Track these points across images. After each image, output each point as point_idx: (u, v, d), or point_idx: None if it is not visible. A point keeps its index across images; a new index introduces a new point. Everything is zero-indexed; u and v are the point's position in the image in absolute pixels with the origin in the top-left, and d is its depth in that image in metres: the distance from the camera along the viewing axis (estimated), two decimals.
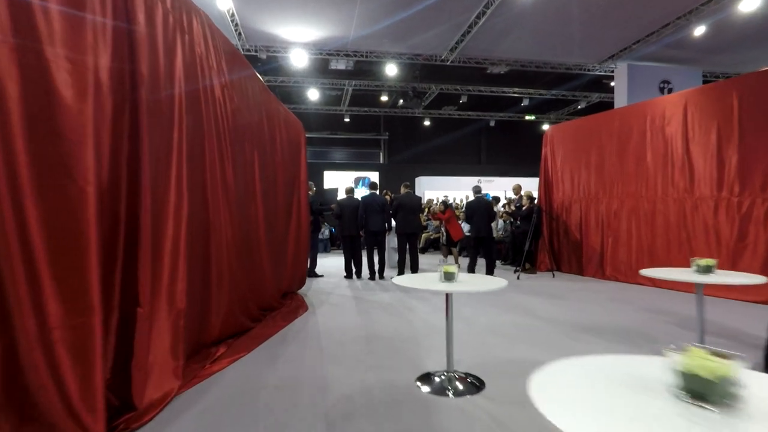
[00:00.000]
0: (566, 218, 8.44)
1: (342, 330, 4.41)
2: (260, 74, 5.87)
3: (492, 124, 19.62)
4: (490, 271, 7.38)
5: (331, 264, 9.50)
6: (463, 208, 8.76)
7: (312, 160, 21.96)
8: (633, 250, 7.22)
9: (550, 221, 8.60)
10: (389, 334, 4.27)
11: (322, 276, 7.90)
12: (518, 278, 7.57)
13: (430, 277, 3.17)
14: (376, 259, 7.61)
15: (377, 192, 7.73)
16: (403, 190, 7.69)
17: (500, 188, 18.94)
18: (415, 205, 7.59)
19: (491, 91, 15.65)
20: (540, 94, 15.93)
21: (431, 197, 16.30)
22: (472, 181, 19.96)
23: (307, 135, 22.17)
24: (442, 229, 9.06)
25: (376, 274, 7.55)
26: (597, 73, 12.69)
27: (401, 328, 4.50)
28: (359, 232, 7.55)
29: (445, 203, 8.97)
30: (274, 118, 5.40)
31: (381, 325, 4.59)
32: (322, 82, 14.63)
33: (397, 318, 4.90)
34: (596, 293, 6.43)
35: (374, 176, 20.82)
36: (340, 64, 14.24)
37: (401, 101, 15.35)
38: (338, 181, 20.97)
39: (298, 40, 10.78)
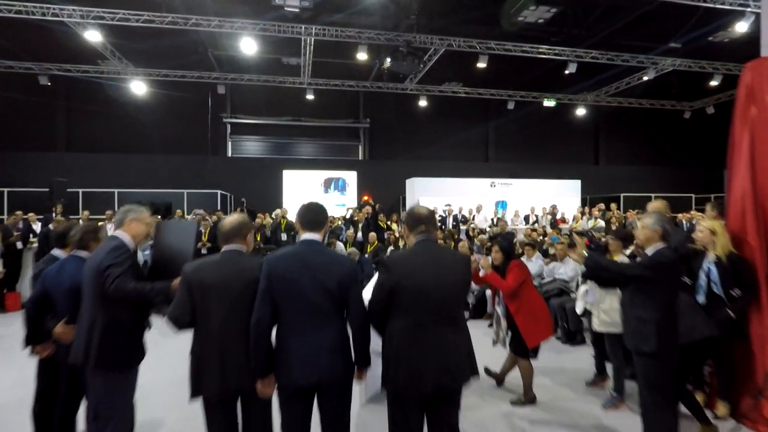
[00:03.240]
0: None
1: None
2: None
3: (510, 106, 14.42)
4: None
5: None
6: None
7: (267, 155, 15.48)
8: None
9: None
10: None
11: None
12: None
13: None
14: None
15: (319, 235, 2.06)
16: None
17: (519, 195, 13.68)
18: (450, 276, 2.14)
19: (522, 51, 10.46)
20: (593, 58, 10.79)
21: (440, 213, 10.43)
22: (482, 184, 14.52)
23: (258, 121, 15.27)
24: (498, 310, 3.43)
25: None
26: (720, 6, 7.60)
27: None
28: (253, 383, 1.92)
29: (503, 245, 3.45)
30: None
31: None
32: (264, 26, 9.19)
33: None
34: None
35: (351, 177, 15.40)
36: None
37: (388, 62, 9.96)
38: (300, 185, 14.86)
39: None
